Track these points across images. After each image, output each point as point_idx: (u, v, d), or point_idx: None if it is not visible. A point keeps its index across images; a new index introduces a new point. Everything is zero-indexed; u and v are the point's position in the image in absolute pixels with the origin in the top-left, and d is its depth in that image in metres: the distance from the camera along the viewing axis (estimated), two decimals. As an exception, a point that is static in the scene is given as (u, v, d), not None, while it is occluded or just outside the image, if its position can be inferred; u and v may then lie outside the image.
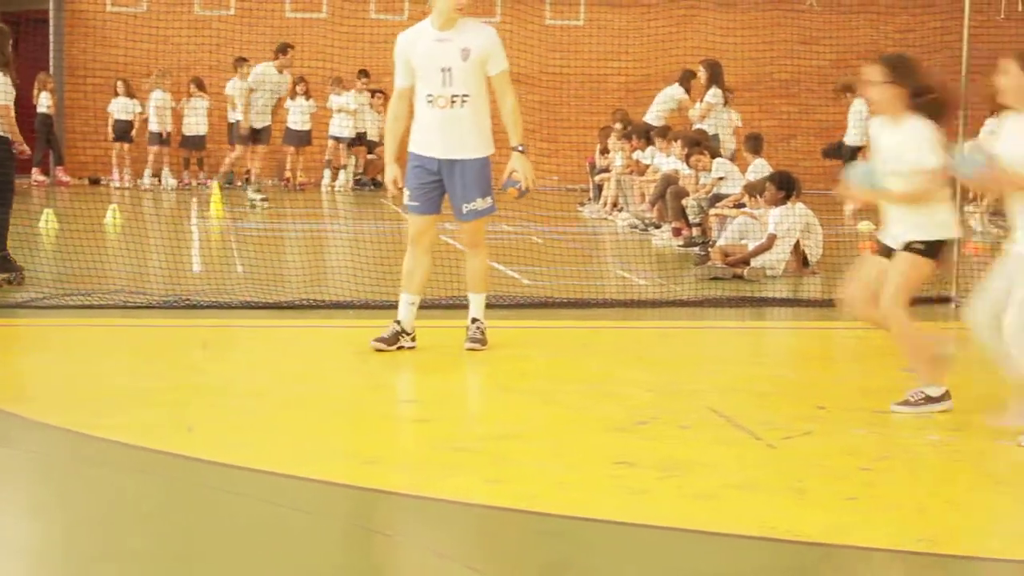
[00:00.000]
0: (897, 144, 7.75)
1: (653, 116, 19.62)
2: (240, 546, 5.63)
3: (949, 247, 7.89)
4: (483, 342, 9.47)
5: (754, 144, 17.18)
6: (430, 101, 9.22)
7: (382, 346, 9.29)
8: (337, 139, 24.80)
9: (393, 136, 9.48)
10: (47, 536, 5.74)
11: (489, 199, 9.38)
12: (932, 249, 7.77)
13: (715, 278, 13.46)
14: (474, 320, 9.52)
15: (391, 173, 9.40)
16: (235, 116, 22.13)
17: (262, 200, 20.35)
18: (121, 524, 5.89)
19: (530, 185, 9.35)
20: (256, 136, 20.94)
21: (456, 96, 9.19)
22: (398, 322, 9.40)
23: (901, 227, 7.83)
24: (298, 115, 24.27)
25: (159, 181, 24.29)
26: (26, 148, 13.72)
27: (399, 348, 9.35)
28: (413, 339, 9.45)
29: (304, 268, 13.27)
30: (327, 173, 24.79)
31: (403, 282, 9.46)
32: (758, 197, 14.69)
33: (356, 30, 22.17)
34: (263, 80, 20.53)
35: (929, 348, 7.88)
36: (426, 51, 9.24)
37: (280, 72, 20.74)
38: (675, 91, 19.60)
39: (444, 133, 9.26)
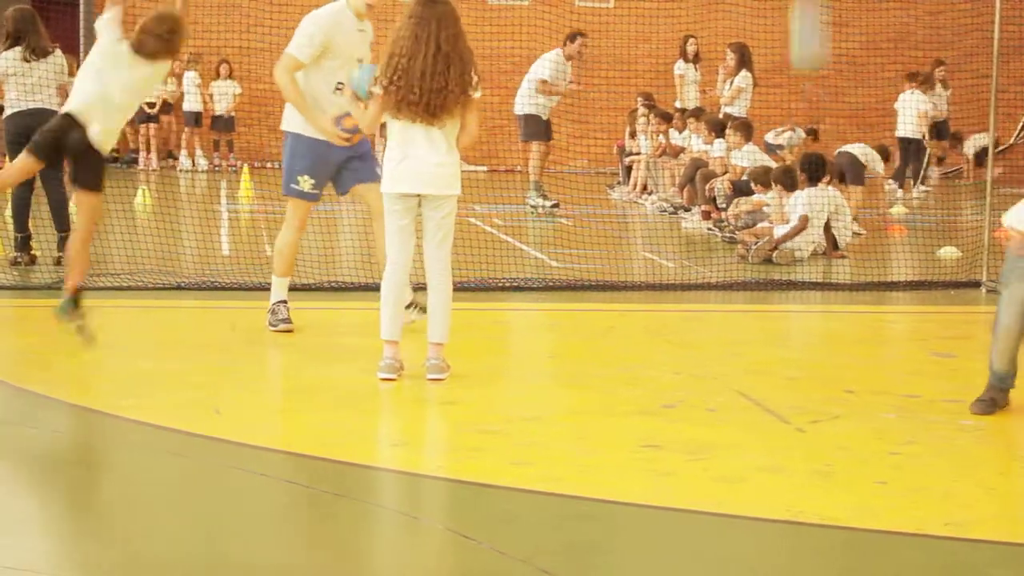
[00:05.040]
0: None
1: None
2: (267, 526, 5.65)
3: None
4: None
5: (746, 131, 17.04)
6: (339, 90, 8.99)
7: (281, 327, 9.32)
8: None
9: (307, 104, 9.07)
10: (73, 517, 5.75)
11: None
12: None
13: (767, 261, 13.38)
14: (283, 302, 9.40)
15: (332, 126, 8.97)
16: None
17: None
18: (148, 504, 5.90)
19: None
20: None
21: (341, 84, 8.97)
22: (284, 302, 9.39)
23: None
24: None
25: (192, 163, 24.39)
26: None
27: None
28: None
29: (331, 250, 13.27)
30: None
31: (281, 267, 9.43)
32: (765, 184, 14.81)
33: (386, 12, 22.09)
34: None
35: None
36: (349, 39, 9.11)
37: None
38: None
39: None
